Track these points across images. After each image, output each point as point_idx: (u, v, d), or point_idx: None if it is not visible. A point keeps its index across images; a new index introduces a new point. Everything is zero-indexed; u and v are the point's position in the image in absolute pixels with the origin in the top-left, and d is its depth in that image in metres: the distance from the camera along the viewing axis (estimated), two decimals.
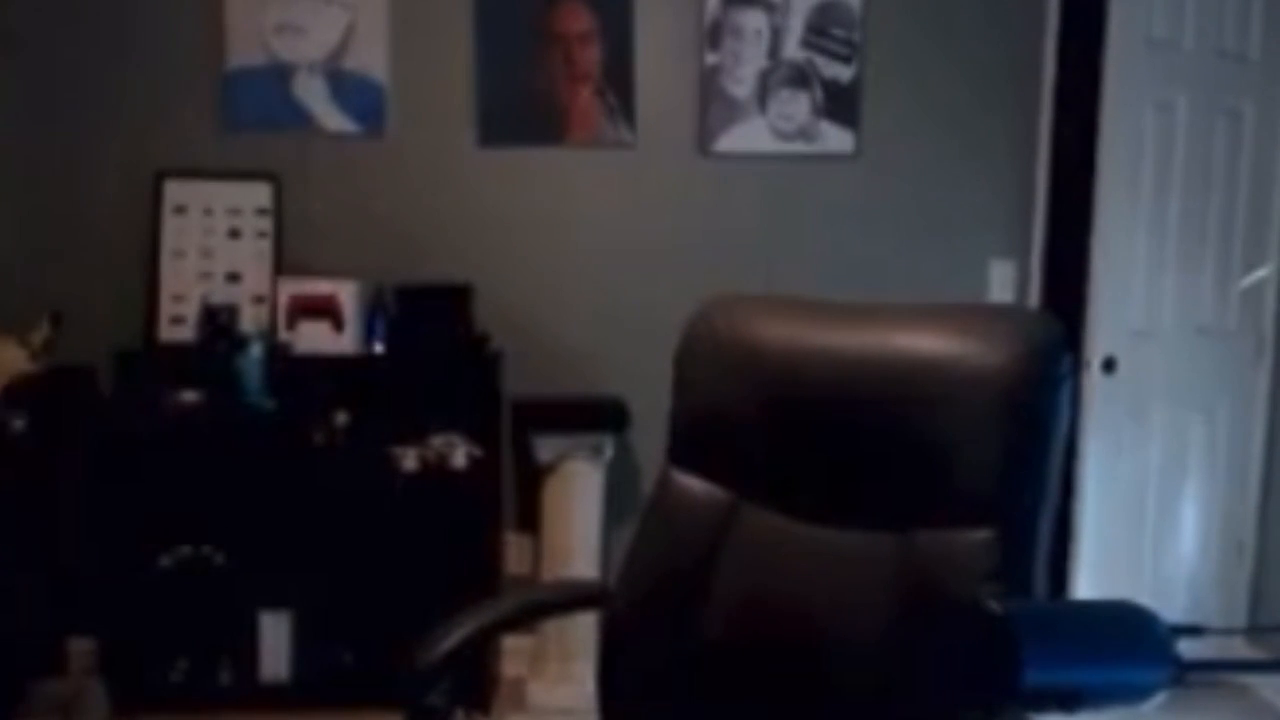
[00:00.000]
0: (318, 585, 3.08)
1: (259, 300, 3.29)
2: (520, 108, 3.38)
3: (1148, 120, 3.24)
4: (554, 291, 3.44)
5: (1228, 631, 3.26)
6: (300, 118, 3.35)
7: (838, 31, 3.39)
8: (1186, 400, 3.39)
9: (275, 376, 3.11)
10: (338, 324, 3.24)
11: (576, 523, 3.23)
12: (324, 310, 3.24)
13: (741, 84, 3.39)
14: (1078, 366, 3.15)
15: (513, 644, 3.33)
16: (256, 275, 3.31)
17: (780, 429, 1.53)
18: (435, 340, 3.23)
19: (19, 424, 2.90)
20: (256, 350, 3.10)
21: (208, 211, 3.31)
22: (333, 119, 3.36)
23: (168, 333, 3.26)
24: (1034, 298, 3.46)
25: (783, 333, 1.56)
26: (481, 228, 3.41)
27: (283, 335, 3.23)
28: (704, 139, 3.41)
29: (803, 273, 3.39)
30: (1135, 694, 0.89)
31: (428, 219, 3.40)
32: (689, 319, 1.66)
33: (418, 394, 3.18)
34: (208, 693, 3.06)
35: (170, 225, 3.31)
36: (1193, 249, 3.34)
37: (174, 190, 3.31)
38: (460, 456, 3.06)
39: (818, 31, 3.39)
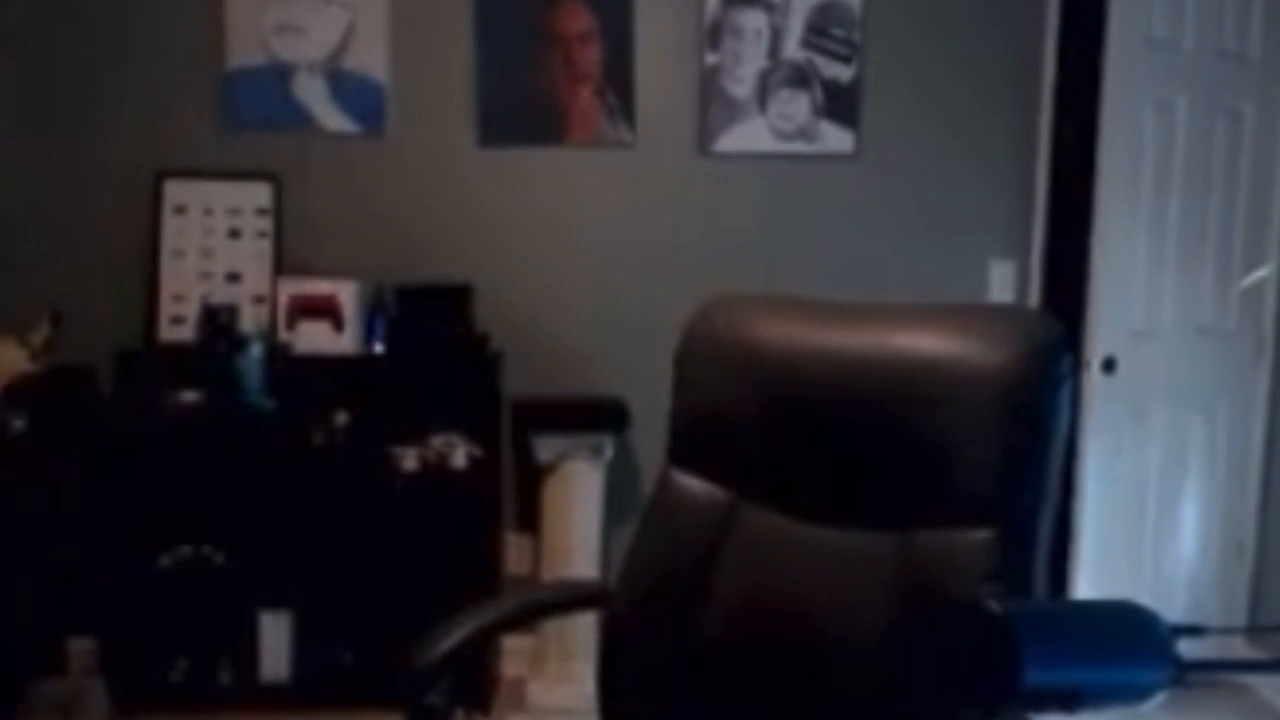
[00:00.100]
0: (318, 585, 3.08)
1: (259, 300, 3.29)
2: (520, 108, 3.38)
3: (1148, 120, 3.24)
4: (554, 291, 3.44)
5: (1228, 631, 3.26)
6: (300, 118, 3.35)
7: (838, 31, 3.39)
8: (1186, 400, 3.39)
9: (275, 376, 3.11)
10: (338, 324, 3.24)
11: (576, 523, 3.23)
12: (324, 310, 3.24)
13: (741, 84, 3.39)
14: (1078, 366, 3.15)
15: (513, 644, 3.33)
16: (256, 275, 3.31)
17: (780, 429, 1.53)
18: (435, 340, 3.23)
19: (19, 424, 2.90)
20: (256, 350, 3.10)
21: (208, 211, 3.31)
22: (333, 119, 3.36)
23: (168, 333, 3.26)
24: (1034, 298, 3.46)
25: (783, 333, 1.56)
26: (481, 228, 3.41)
27: (283, 335, 3.23)
28: (704, 139, 3.41)
29: (803, 273, 3.39)
30: (1135, 694, 0.89)
31: (428, 219, 3.40)
32: (689, 319, 1.66)
33: (418, 394, 3.18)
34: (208, 693, 3.06)
35: (170, 225, 3.31)
36: (1193, 249, 3.34)
37: (174, 190, 3.31)
38: (460, 456, 3.06)
39: (818, 31, 3.39)
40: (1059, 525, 1.39)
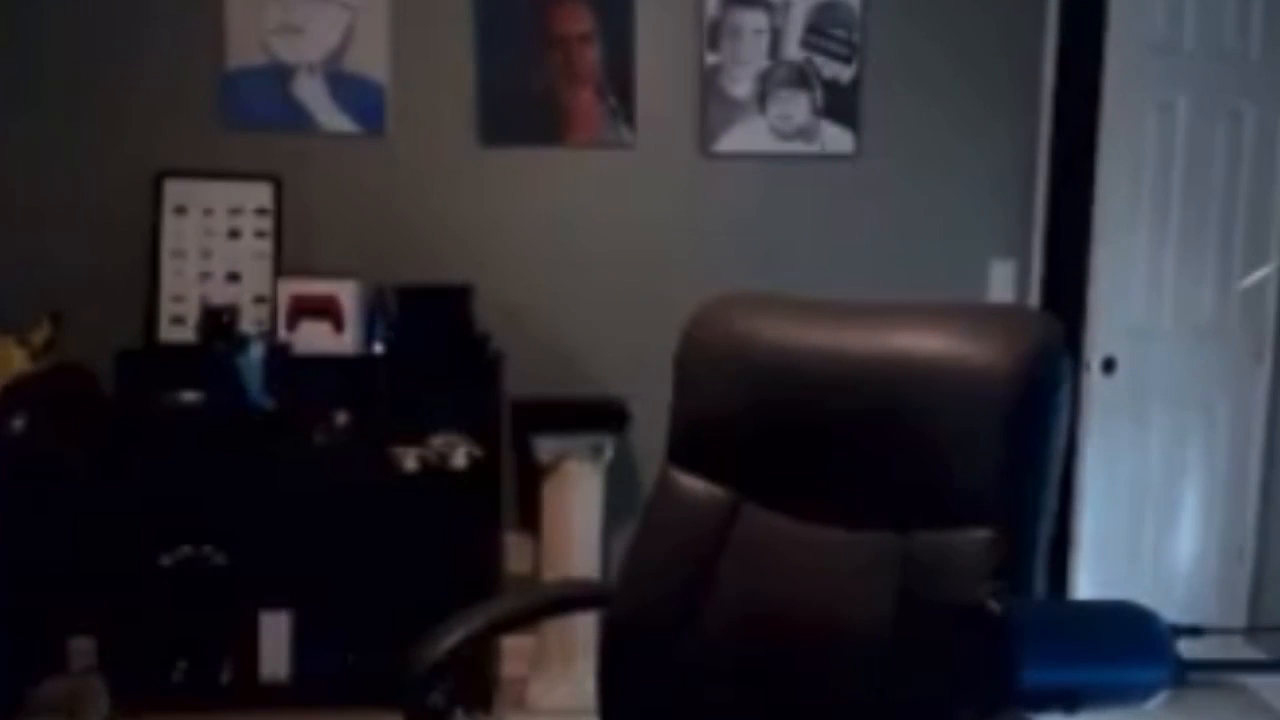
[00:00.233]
0: (318, 585, 3.08)
1: (259, 300, 3.29)
2: (520, 108, 3.38)
3: (1148, 121, 3.24)
4: (554, 291, 3.44)
5: (1227, 631, 3.26)
6: (300, 118, 3.35)
7: (838, 31, 3.39)
8: (1186, 400, 3.39)
9: (275, 376, 3.11)
10: (338, 324, 3.24)
11: (576, 523, 3.23)
12: (324, 310, 3.24)
13: (741, 84, 3.39)
14: (1078, 366, 3.15)
15: (513, 644, 3.33)
16: (257, 275, 3.31)
17: (780, 429, 1.53)
18: (435, 340, 3.23)
19: (19, 424, 2.90)
20: (256, 350, 3.10)
21: (208, 211, 3.31)
22: (333, 119, 3.36)
23: (168, 333, 3.27)
24: (1034, 298, 3.46)
25: (783, 333, 1.56)
26: (481, 228, 3.41)
27: (283, 335, 3.23)
28: (704, 139, 3.41)
29: (803, 273, 3.38)
30: (1135, 694, 0.89)
31: (428, 219, 3.40)
32: (689, 319, 1.66)
33: (418, 394, 3.18)
34: (208, 692, 3.06)
35: (170, 225, 3.31)
36: (1193, 249, 3.34)
37: (174, 190, 3.31)
38: (460, 456, 3.06)
39: (818, 31, 3.39)
40: (1059, 525, 1.39)
